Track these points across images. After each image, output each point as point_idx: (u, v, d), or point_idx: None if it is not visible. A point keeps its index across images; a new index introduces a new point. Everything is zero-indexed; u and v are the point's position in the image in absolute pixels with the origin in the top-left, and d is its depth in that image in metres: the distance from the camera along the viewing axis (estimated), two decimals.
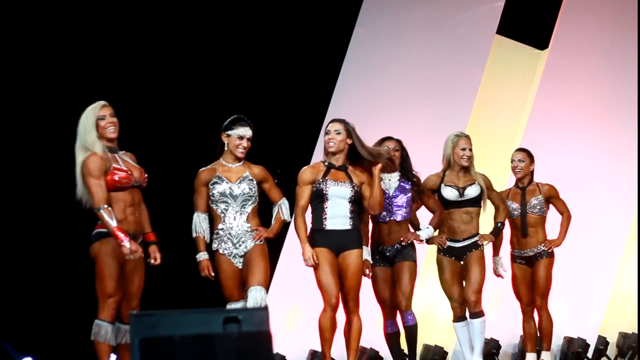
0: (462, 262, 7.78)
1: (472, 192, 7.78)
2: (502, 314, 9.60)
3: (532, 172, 8.36)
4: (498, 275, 8.11)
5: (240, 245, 6.86)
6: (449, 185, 7.77)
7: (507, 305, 9.25)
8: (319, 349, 7.15)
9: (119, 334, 6.49)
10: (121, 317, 6.49)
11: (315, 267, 6.91)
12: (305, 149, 7.22)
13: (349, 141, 7.05)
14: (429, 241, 7.70)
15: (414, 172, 7.65)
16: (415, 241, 7.58)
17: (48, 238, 8.73)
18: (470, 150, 7.84)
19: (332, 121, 7.14)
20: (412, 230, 7.64)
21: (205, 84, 9.40)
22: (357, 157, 7.08)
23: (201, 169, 6.94)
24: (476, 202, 7.82)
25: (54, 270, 8.75)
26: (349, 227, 7.00)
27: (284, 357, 8.84)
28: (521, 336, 9.24)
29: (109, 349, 6.44)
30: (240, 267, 6.86)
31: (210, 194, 6.88)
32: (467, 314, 7.74)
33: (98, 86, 8.73)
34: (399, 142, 7.66)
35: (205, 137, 7.35)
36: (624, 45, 10.49)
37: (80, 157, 6.44)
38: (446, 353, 9.40)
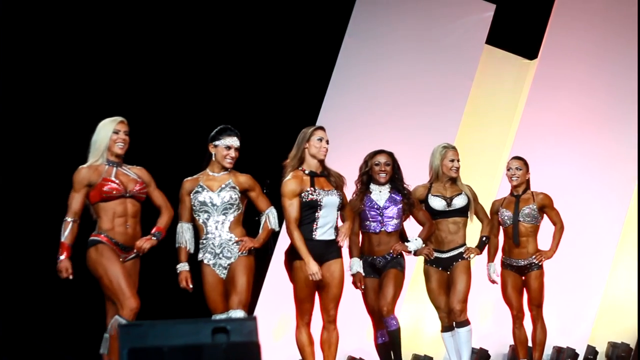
0: (448, 272, 7.80)
1: (459, 202, 7.79)
2: (491, 324, 9.60)
3: (527, 181, 8.35)
4: (492, 281, 8.11)
5: (223, 256, 6.83)
6: (437, 196, 7.79)
7: (497, 315, 9.26)
8: None
9: (106, 344, 6.51)
10: None
11: (295, 280, 6.96)
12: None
13: None
14: (417, 252, 7.70)
15: (405, 185, 7.65)
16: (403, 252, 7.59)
17: (46, 252, 8.72)
18: (458, 161, 7.87)
19: (320, 129, 7.12)
20: (401, 241, 7.64)
21: (194, 93, 9.39)
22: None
23: (185, 179, 6.94)
24: (463, 212, 7.83)
25: (52, 286, 8.74)
26: (333, 237, 7.02)
27: None
28: (511, 346, 9.25)
29: None
30: (224, 278, 6.84)
31: (192, 203, 6.86)
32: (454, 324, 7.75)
33: (97, 88, 8.87)
34: (390, 155, 7.64)
35: (193, 147, 7.33)
36: (613, 55, 10.51)
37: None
38: None
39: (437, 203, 7.76)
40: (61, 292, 8.29)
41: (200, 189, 6.85)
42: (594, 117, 10.40)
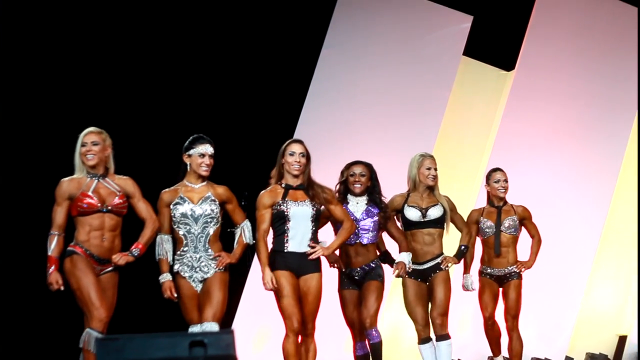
0: (427, 284, 7.77)
1: (434, 213, 7.76)
2: (469, 336, 9.60)
3: None
4: (466, 289, 8.11)
5: (200, 270, 6.82)
6: (412, 206, 7.76)
7: (475, 327, 9.26)
8: None
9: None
10: None
11: (276, 291, 6.90)
12: (272, 170, 7.19)
13: (308, 165, 7.06)
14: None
15: (382, 197, 7.65)
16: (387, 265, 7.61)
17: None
18: (435, 169, 7.85)
19: (296, 142, 7.10)
20: (378, 253, 7.63)
21: (171, 105, 9.38)
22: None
23: (163, 191, 6.91)
24: (438, 223, 7.80)
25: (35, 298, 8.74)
26: (309, 250, 6.99)
27: None
28: (489, 357, 9.25)
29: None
30: (199, 292, 6.83)
31: (172, 215, 6.84)
32: (433, 336, 7.72)
33: (87, 96, 8.91)
34: (367, 166, 7.63)
35: (168, 159, 7.32)
36: (590, 66, 10.56)
37: None
38: None
39: (412, 214, 7.74)
40: (44, 304, 8.29)
41: (180, 201, 6.83)
42: (571, 128, 10.44)
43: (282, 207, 6.95)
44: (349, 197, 7.58)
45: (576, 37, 10.62)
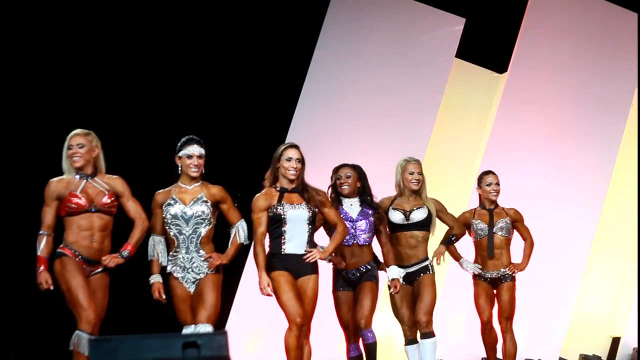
0: (412, 286, 7.80)
1: (418, 215, 7.77)
2: (462, 337, 9.61)
3: None
4: (472, 271, 8.15)
5: (192, 271, 6.82)
6: (396, 209, 7.79)
7: (468, 328, 9.27)
8: None
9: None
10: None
11: (273, 294, 6.90)
12: (265, 172, 7.19)
13: (303, 169, 7.06)
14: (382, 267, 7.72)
15: (373, 199, 7.67)
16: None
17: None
18: (420, 173, 7.86)
19: (292, 147, 7.09)
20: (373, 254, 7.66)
21: (164, 106, 9.37)
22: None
23: (157, 192, 6.92)
24: (423, 225, 7.82)
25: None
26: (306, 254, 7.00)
27: None
28: (483, 358, 9.25)
29: None
30: (192, 293, 6.83)
31: (164, 216, 6.84)
32: (418, 336, 7.75)
33: (89, 92, 8.93)
34: (353, 167, 7.66)
35: (161, 161, 7.32)
36: (582, 68, 10.58)
37: None
38: None
39: (395, 216, 7.77)
40: (35, 306, 8.29)
41: (172, 202, 6.83)
42: (564, 129, 10.46)
43: (278, 210, 6.94)
44: (343, 199, 7.61)
45: (568, 40, 10.64)
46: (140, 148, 9.13)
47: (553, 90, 10.52)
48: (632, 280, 10.47)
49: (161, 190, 6.91)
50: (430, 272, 7.78)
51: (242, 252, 7.22)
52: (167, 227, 6.84)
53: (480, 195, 8.40)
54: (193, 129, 7.12)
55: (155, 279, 6.87)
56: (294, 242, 6.97)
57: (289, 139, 8.77)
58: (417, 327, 7.77)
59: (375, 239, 7.69)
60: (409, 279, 7.78)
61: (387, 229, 7.74)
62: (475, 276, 8.29)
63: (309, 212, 6.99)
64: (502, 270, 8.24)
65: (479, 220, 8.28)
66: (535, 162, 10.32)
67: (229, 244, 6.97)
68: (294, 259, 6.95)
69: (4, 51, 8.77)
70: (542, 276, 9.95)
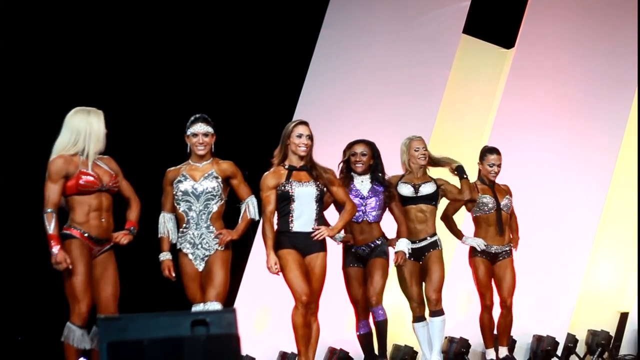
0: (420, 263, 7.83)
1: (427, 189, 7.84)
2: (471, 313, 9.61)
3: None
4: (479, 246, 8.22)
5: (202, 247, 6.83)
6: (405, 182, 7.84)
7: (477, 304, 9.27)
8: (289, 350, 7.16)
9: (95, 339, 6.42)
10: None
11: (280, 272, 6.93)
12: (273, 150, 7.19)
13: (312, 147, 7.08)
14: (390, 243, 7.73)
15: (385, 176, 7.68)
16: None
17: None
18: (425, 149, 7.90)
19: (302, 124, 7.09)
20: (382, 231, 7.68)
21: (171, 85, 9.37)
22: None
23: (168, 169, 6.94)
24: (431, 199, 7.87)
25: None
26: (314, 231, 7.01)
27: (254, 358, 8.81)
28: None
29: (78, 353, 6.39)
30: (201, 271, 6.84)
31: (174, 192, 6.85)
32: (427, 313, 7.78)
33: (90, 88, 8.82)
34: (369, 145, 7.65)
35: (171, 139, 7.33)
36: (590, 43, 10.54)
37: (52, 156, 6.46)
38: (416, 353, 9.39)
39: (405, 190, 7.81)
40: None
41: (182, 178, 6.85)
42: (571, 105, 10.43)
43: (286, 187, 6.97)
44: (354, 175, 7.61)
45: (575, 15, 10.59)
46: (149, 128, 9.13)
47: (560, 65, 10.48)
48: None
49: (172, 168, 6.92)
50: (439, 248, 7.82)
51: (250, 229, 7.23)
52: (177, 204, 6.86)
53: (480, 169, 8.42)
54: (201, 108, 7.12)
55: (165, 256, 6.90)
56: (302, 220, 7.00)
57: (296, 117, 8.75)
58: (425, 305, 7.81)
59: (385, 217, 7.72)
60: (417, 255, 7.80)
61: (400, 206, 7.75)
62: (474, 254, 8.29)
63: (317, 190, 7.01)
64: (504, 245, 8.28)
65: (485, 195, 8.29)
66: (542, 138, 10.30)
67: (240, 219, 6.97)
68: (302, 236, 6.98)
69: (3, 44, 8.75)
70: (550, 252, 9.95)
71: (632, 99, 10.51)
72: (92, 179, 6.44)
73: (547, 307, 9.96)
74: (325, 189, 7.09)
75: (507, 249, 8.33)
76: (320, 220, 7.09)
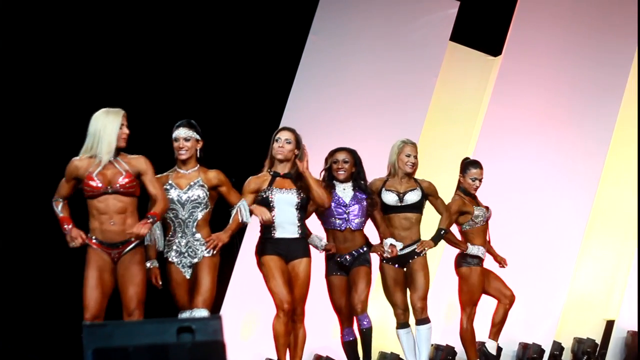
0: (405, 269, 7.82)
1: (412, 197, 7.79)
2: (457, 320, 9.62)
3: None
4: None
5: (188, 255, 6.82)
6: (390, 190, 7.80)
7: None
8: (275, 357, 7.14)
9: None
10: None
11: (264, 276, 6.97)
12: (260, 156, 7.20)
13: (296, 151, 7.10)
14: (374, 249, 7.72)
15: (367, 184, 7.68)
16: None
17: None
18: (415, 157, 7.86)
19: (283, 129, 7.18)
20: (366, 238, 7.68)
21: (156, 91, 9.35)
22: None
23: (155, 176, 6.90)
24: (416, 207, 7.83)
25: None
26: (297, 236, 7.10)
27: None
28: (478, 342, 9.26)
29: None
30: (189, 278, 6.83)
31: None
32: (412, 320, 7.78)
33: (90, 88, 8.89)
34: (350, 152, 7.65)
35: (157, 146, 7.30)
36: (577, 51, 10.56)
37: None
38: None
39: (389, 198, 7.78)
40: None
41: (168, 187, 6.84)
42: (558, 112, 10.44)
43: (267, 193, 7.06)
44: (336, 183, 7.60)
45: (563, 22, 10.61)
46: (134, 135, 9.10)
47: (547, 73, 10.50)
48: (626, 263, 10.48)
49: (158, 175, 6.86)
50: (423, 255, 7.81)
51: (236, 238, 7.24)
52: None
53: (460, 181, 8.38)
54: (188, 114, 7.13)
55: (152, 264, 6.88)
56: (284, 227, 7.04)
57: (284, 123, 8.75)
58: (409, 311, 7.81)
59: (367, 225, 7.72)
60: (401, 261, 7.79)
61: (381, 212, 7.75)
62: (462, 263, 8.27)
63: (297, 197, 7.06)
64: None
65: (479, 207, 8.30)
66: (529, 145, 10.31)
67: (230, 220, 6.95)
68: (284, 243, 7.03)
69: (4, 42, 8.75)
70: (536, 260, 9.96)
71: (619, 105, 10.54)
72: (93, 183, 6.40)
73: (533, 314, 9.97)
74: (308, 197, 7.13)
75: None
76: (303, 228, 7.13)
